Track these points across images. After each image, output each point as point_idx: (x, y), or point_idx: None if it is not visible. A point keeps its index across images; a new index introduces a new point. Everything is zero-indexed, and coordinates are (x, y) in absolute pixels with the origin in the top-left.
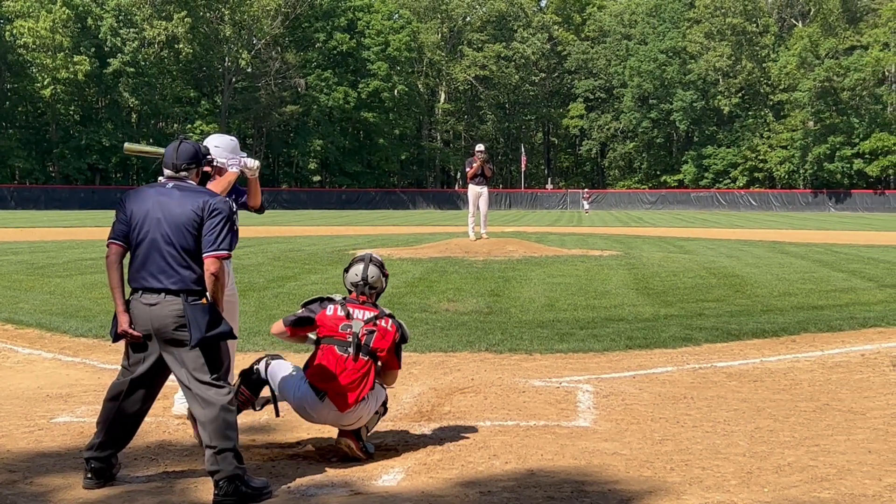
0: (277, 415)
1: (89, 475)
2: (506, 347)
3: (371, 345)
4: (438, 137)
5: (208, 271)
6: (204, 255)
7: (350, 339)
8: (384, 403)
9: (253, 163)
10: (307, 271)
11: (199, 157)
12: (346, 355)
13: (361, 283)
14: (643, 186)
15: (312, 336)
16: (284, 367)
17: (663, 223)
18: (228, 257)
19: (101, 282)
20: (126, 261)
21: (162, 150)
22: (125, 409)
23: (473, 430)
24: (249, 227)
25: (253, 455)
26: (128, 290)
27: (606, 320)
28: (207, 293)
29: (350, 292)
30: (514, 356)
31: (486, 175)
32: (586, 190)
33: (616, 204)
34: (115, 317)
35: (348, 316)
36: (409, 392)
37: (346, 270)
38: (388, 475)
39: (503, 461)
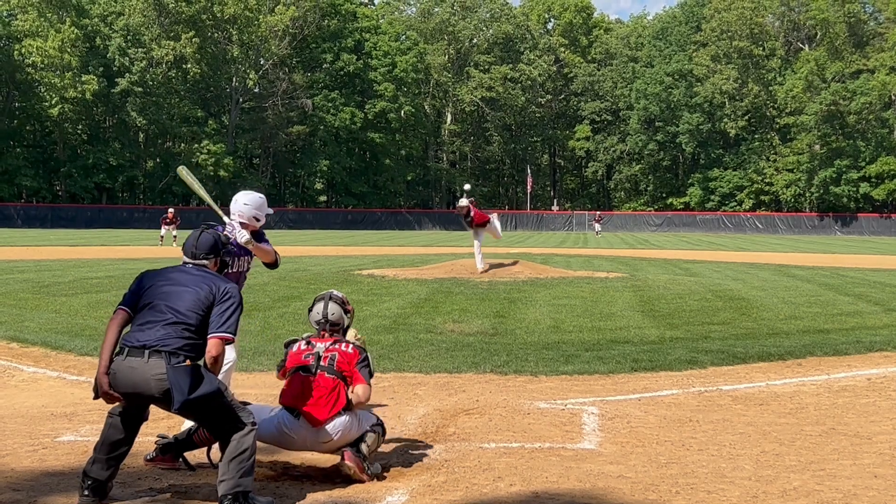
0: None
1: (86, 493)
2: (511, 369)
3: (335, 366)
4: (445, 158)
5: (210, 353)
6: (210, 336)
7: (313, 362)
8: (381, 426)
9: (242, 237)
10: (312, 291)
11: (219, 248)
12: (312, 376)
13: (323, 321)
14: (649, 209)
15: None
16: (264, 408)
17: (669, 245)
18: (233, 341)
19: (106, 300)
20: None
21: (207, 197)
22: (119, 428)
23: (478, 451)
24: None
25: (257, 475)
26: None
27: (612, 342)
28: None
29: (318, 330)
30: (520, 378)
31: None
32: (598, 213)
33: (622, 226)
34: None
35: (310, 346)
36: (414, 413)
37: (310, 310)
38: (393, 497)
39: (508, 483)
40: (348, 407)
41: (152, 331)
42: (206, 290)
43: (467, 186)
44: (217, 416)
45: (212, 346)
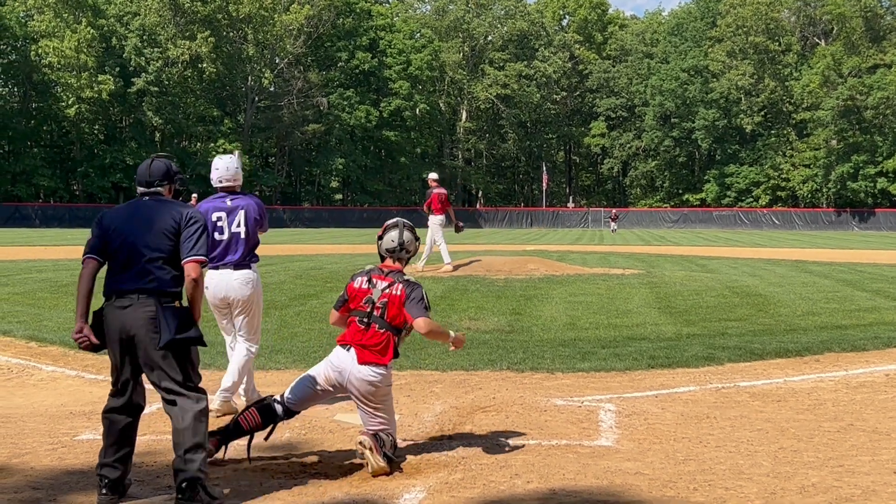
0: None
1: (104, 491)
2: (527, 366)
3: (386, 317)
4: (460, 156)
5: (189, 276)
6: (184, 261)
7: (368, 310)
8: (392, 437)
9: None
10: (329, 289)
11: (172, 174)
12: (363, 327)
13: (398, 248)
14: (665, 205)
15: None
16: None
17: (685, 242)
18: (206, 263)
19: None
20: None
21: None
22: (118, 421)
23: (495, 448)
24: (272, 245)
25: (274, 473)
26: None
27: (628, 339)
28: (184, 298)
29: (383, 259)
30: (536, 375)
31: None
32: (614, 210)
33: (638, 222)
34: (94, 323)
35: (371, 286)
36: (431, 410)
37: (380, 238)
38: (410, 494)
39: (525, 480)
40: (394, 356)
41: (133, 271)
42: (169, 219)
43: (435, 175)
44: (184, 364)
45: (190, 269)
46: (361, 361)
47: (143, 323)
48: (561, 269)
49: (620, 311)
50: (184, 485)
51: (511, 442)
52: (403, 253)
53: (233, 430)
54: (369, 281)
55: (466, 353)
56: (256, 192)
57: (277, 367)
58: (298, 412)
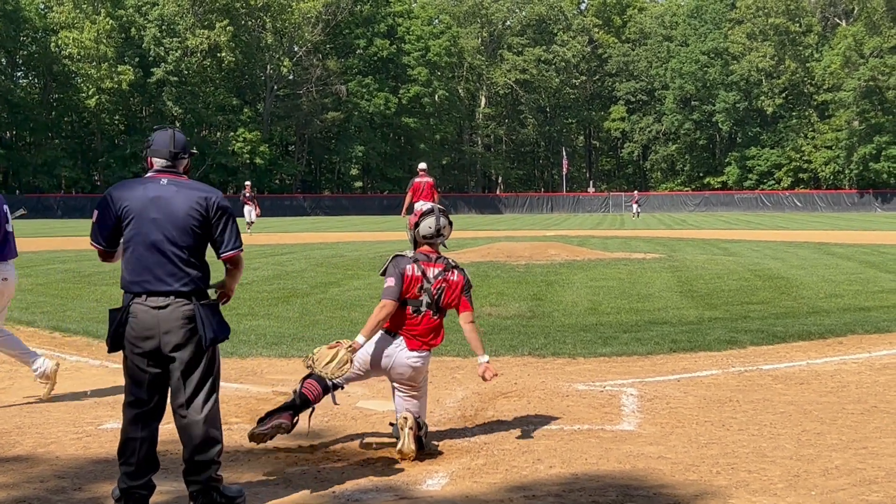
0: (335, 402)
1: None
2: (549, 351)
3: (441, 302)
4: (479, 142)
5: (232, 262)
6: (223, 255)
7: (422, 298)
8: (426, 426)
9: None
10: (350, 277)
11: (189, 149)
12: (418, 315)
13: (435, 233)
14: (686, 188)
15: None
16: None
17: (707, 225)
18: (242, 252)
19: None
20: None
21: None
22: (140, 434)
23: (517, 434)
24: (292, 233)
25: (298, 460)
26: (110, 293)
27: (650, 323)
28: (226, 285)
29: (416, 245)
30: (558, 360)
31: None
32: (637, 193)
33: (659, 206)
34: (114, 320)
35: (424, 276)
36: (453, 397)
37: (417, 225)
38: (433, 480)
39: (547, 465)
40: (440, 338)
41: (166, 267)
42: (195, 205)
43: (424, 164)
44: (210, 369)
45: (230, 259)
46: (411, 348)
47: (180, 324)
48: (582, 253)
49: (642, 295)
50: (196, 492)
51: (533, 427)
52: (440, 238)
53: (300, 404)
54: (420, 268)
55: (488, 339)
56: (277, 181)
57: (300, 354)
58: (343, 386)
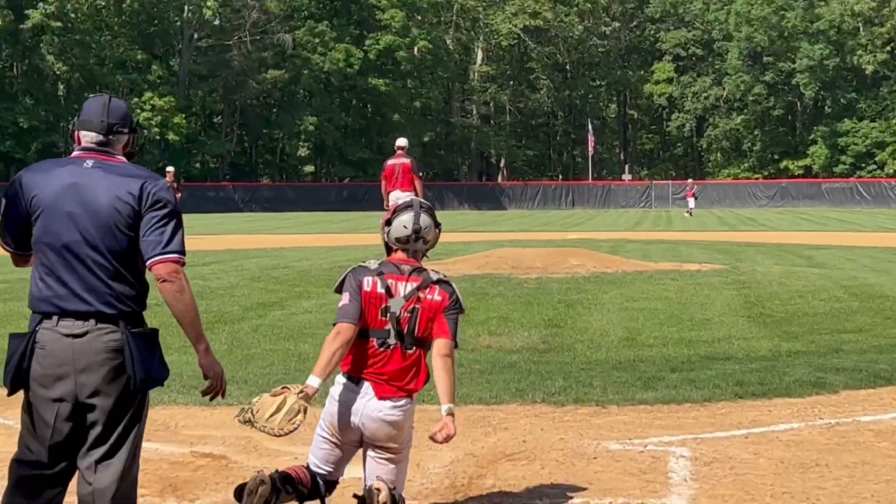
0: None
1: None
2: (569, 397)
3: (417, 331)
4: (474, 112)
5: (161, 277)
6: (151, 262)
7: (389, 327)
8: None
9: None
10: (297, 296)
11: (132, 123)
12: (385, 349)
13: (411, 236)
14: (755, 175)
15: None
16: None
17: (784, 226)
18: (182, 262)
19: (16, 311)
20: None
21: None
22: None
23: None
24: (217, 235)
25: None
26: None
27: (707, 359)
28: (173, 309)
29: (390, 252)
30: (581, 409)
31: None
32: (691, 181)
33: (719, 200)
34: (15, 351)
35: (388, 293)
36: (440, 460)
37: (389, 223)
38: None
39: None
40: (427, 379)
41: (84, 280)
42: (123, 195)
43: (403, 140)
44: (135, 422)
45: (161, 268)
46: (381, 396)
47: (103, 358)
48: (614, 264)
49: (697, 320)
50: None
51: (548, 502)
52: (419, 244)
53: (283, 478)
54: (384, 284)
55: (486, 380)
56: (197, 165)
57: (228, 402)
58: (337, 480)
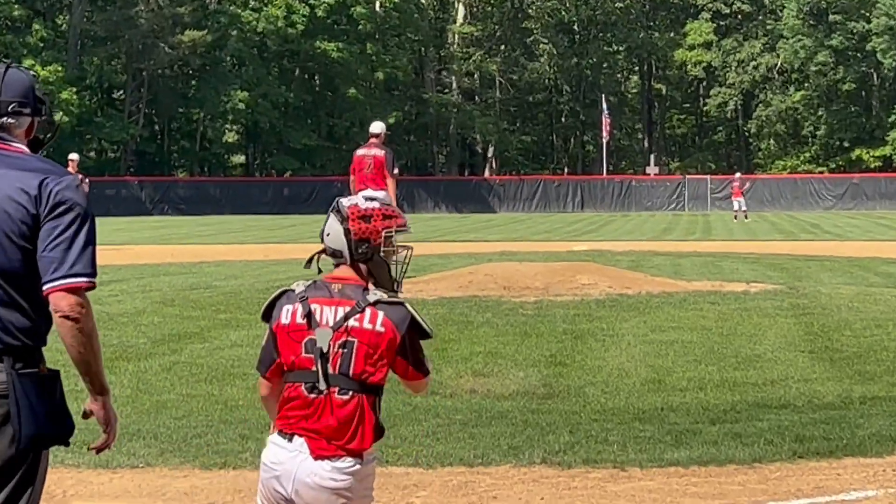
0: None
1: None
2: (578, 457)
3: (351, 370)
4: (454, 84)
5: (61, 311)
6: (48, 288)
7: (316, 367)
8: None
9: None
10: (223, 324)
11: (36, 99)
12: (317, 396)
13: (331, 249)
14: (819, 169)
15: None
16: None
17: (856, 233)
18: (92, 286)
19: None
20: None
21: None
22: None
23: None
24: (118, 245)
25: None
26: None
27: (757, 407)
28: (72, 352)
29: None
30: (594, 472)
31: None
32: (739, 175)
33: (773, 199)
34: None
35: (309, 321)
36: None
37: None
38: None
39: None
40: (374, 437)
41: None
42: (18, 196)
43: (378, 125)
44: (24, 489)
45: (59, 299)
46: (318, 456)
47: None
48: (636, 283)
49: (743, 357)
50: None
51: None
52: (344, 259)
53: None
54: (306, 311)
55: (470, 434)
56: (92, 153)
57: (133, 465)
58: None
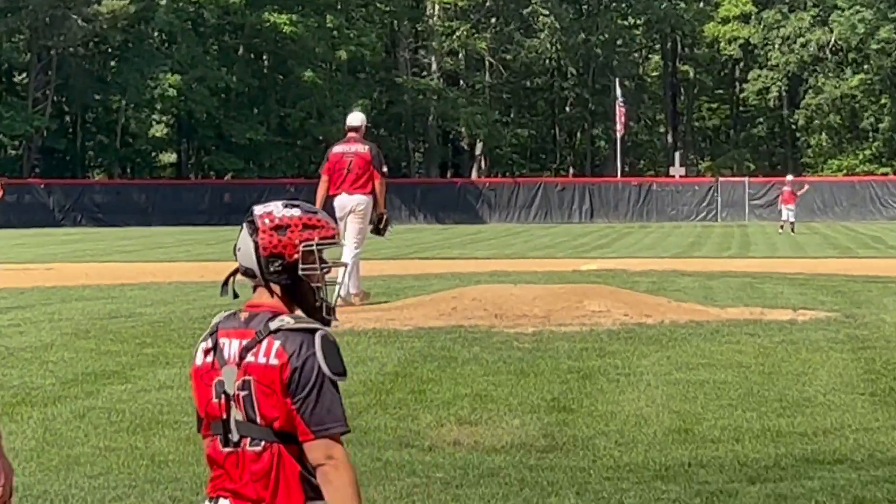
0: None
1: None
2: None
3: (258, 415)
4: (434, 67)
5: None
6: None
7: (230, 414)
8: None
9: None
10: (149, 361)
11: None
12: (233, 450)
13: (243, 267)
14: (882, 170)
15: None
16: None
17: None
18: None
19: None
20: None
21: None
22: None
23: None
24: (19, 264)
25: None
26: None
27: (807, 463)
28: None
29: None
30: None
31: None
32: (790, 178)
33: (824, 207)
34: None
35: (219, 358)
36: None
37: None
38: None
39: None
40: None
41: None
42: None
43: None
44: None
45: None
46: None
47: None
48: (657, 310)
49: (789, 401)
50: None
51: None
52: (258, 279)
53: None
54: (213, 346)
55: (454, 495)
56: None
57: None
58: None
